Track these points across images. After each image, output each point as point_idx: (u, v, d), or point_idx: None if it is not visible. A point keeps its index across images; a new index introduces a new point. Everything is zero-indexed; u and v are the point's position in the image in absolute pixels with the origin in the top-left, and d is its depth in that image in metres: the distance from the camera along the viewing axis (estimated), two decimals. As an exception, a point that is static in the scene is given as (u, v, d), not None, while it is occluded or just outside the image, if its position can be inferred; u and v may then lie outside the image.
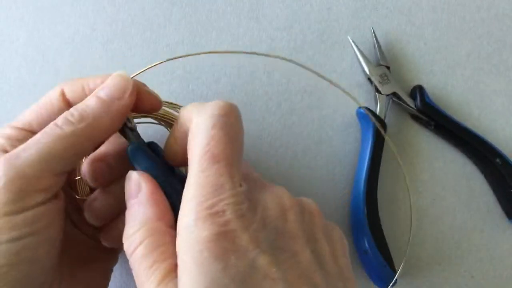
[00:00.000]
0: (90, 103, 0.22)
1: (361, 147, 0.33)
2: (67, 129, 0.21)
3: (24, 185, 0.20)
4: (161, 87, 0.34)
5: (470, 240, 0.33)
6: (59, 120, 0.21)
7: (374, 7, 0.36)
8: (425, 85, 0.34)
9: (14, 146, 0.21)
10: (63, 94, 0.23)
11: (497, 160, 0.32)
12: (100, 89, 0.22)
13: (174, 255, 0.19)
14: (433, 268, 0.32)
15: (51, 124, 0.21)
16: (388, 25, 0.36)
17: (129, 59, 0.34)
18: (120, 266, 0.31)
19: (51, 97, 0.23)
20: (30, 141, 0.21)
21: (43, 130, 0.21)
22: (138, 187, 0.21)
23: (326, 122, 0.34)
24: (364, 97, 0.34)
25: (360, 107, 0.33)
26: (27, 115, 0.23)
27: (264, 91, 0.34)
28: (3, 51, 0.34)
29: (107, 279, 0.27)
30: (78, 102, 0.23)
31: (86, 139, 0.21)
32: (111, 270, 0.28)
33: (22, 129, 0.23)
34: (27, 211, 0.20)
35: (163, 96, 0.34)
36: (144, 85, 0.25)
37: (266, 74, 0.34)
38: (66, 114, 0.21)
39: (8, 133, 0.22)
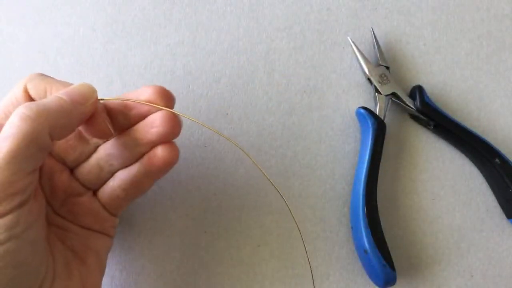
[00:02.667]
0: (49, 101, 0.22)
1: (360, 147, 0.33)
2: (24, 126, 0.20)
3: None
4: (161, 87, 0.34)
5: (469, 239, 0.33)
6: (15, 117, 0.20)
7: (373, 8, 0.36)
8: (424, 85, 0.34)
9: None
10: (26, 91, 0.24)
11: (496, 160, 0.32)
12: (64, 92, 0.23)
13: None
14: (433, 268, 0.32)
15: (7, 124, 0.20)
16: (388, 25, 0.36)
17: (129, 59, 0.34)
18: (120, 266, 0.31)
19: (16, 94, 0.24)
20: None
21: (2, 131, 0.20)
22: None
23: (326, 122, 0.34)
24: (364, 97, 0.34)
25: (359, 107, 0.33)
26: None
27: (264, 91, 0.34)
28: (3, 51, 0.34)
29: (101, 272, 0.27)
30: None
31: (46, 135, 0.21)
32: (105, 264, 0.28)
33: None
34: (4, 217, 0.20)
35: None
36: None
37: (266, 74, 0.34)
38: (23, 106, 0.21)
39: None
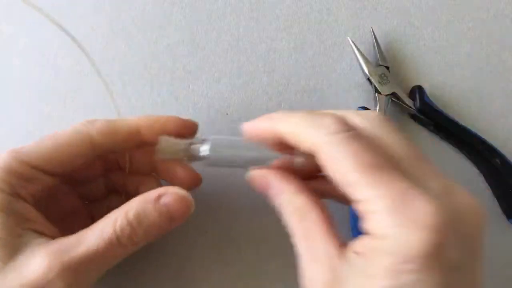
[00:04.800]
0: (151, 216, 0.23)
1: (360, 147, 0.33)
2: (129, 249, 0.23)
3: None
4: (162, 88, 0.34)
5: (469, 240, 0.33)
6: (123, 238, 0.22)
7: (373, 8, 0.36)
8: (424, 85, 0.34)
9: (22, 188, 0.23)
10: (90, 136, 0.24)
11: (496, 160, 0.32)
12: (167, 206, 0.23)
13: None
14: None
15: (112, 236, 0.22)
16: (388, 25, 0.36)
17: (129, 59, 0.34)
18: (119, 267, 0.31)
19: (76, 138, 0.24)
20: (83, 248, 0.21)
21: (98, 237, 0.22)
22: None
23: (326, 122, 0.34)
24: (364, 97, 0.34)
25: (359, 107, 0.33)
26: (46, 152, 0.24)
27: (264, 92, 0.34)
28: (3, 51, 0.34)
29: None
30: (106, 145, 0.25)
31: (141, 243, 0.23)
32: None
33: (33, 167, 0.23)
34: None
35: (163, 96, 0.34)
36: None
37: (266, 74, 0.34)
38: (131, 231, 0.22)
39: (16, 171, 0.23)
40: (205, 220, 0.32)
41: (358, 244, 0.20)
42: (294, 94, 0.34)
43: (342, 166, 0.20)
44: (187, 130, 0.27)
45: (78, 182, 0.28)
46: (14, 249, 0.21)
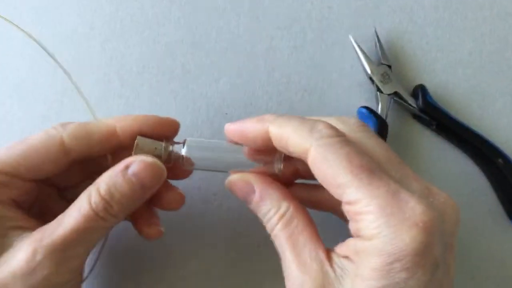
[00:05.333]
0: (121, 188, 0.23)
1: (362, 147, 0.33)
2: (108, 222, 0.23)
3: None
4: (161, 87, 0.34)
5: (471, 240, 0.33)
6: (99, 212, 0.22)
7: (375, 6, 0.36)
8: (427, 84, 0.34)
9: None
10: (62, 142, 0.24)
11: (499, 160, 0.32)
12: (135, 172, 0.23)
13: None
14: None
15: (89, 212, 0.22)
16: (390, 23, 0.35)
17: (128, 58, 0.34)
18: (119, 267, 0.31)
19: (47, 143, 0.23)
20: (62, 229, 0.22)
21: (76, 214, 0.22)
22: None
23: (327, 122, 0.34)
24: (365, 97, 0.34)
25: (361, 107, 0.32)
26: (14, 158, 0.23)
27: (264, 91, 0.34)
28: (2, 51, 0.34)
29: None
30: (80, 151, 0.24)
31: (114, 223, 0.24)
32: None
33: (6, 173, 0.23)
34: None
35: (162, 95, 0.34)
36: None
37: (266, 74, 0.34)
38: (105, 205, 0.22)
39: None
40: (205, 220, 0.32)
41: (345, 247, 0.21)
42: (295, 94, 0.34)
43: (334, 168, 0.20)
44: (167, 129, 0.26)
45: (62, 188, 0.27)
46: (1, 248, 0.22)
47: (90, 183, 0.28)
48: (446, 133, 0.33)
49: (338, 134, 0.21)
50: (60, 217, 0.22)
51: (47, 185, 0.26)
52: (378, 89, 0.33)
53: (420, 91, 0.33)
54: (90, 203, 0.22)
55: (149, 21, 0.35)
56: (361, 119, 0.33)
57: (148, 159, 0.23)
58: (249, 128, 0.23)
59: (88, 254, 0.24)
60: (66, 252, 0.22)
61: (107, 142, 0.25)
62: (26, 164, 0.23)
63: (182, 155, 0.25)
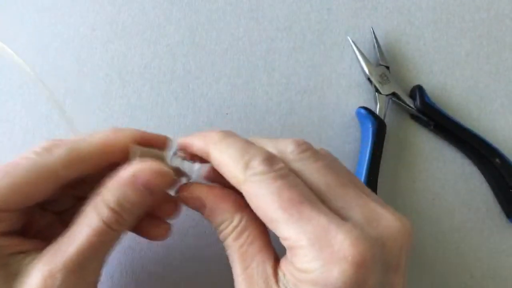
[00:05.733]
0: (131, 198, 0.22)
1: (361, 147, 0.33)
2: (120, 231, 0.22)
3: None
4: (162, 88, 0.34)
5: (469, 240, 0.33)
6: (111, 224, 0.21)
7: (373, 7, 0.36)
8: (425, 85, 0.34)
9: None
10: (53, 173, 0.22)
11: (497, 160, 0.32)
12: (146, 186, 0.22)
13: None
14: (433, 268, 0.32)
15: (100, 225, 0.21)
16: (388, 25, 0.36)
17: (129, 59, 0.34)
18: (119, 267, 0.31)
19: (37, 175, 0.22)
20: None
21: (87, 230, 0.21)
22: None
23: (326, 122, 0.34)
24: (364, 97, 0.34)
25: (360, 107, 0.33)
26: (5, 188, 0.21)
27: (264, 91, 0.34)
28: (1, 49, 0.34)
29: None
30: (72, 177, 0.23)
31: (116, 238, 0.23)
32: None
33: (1, 211, 0.22)
34: None
35: (163, 96, 0.34)
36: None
37: (266, 74, 0.34)
38: (117, 217, 0.22)
39: None
40: (205, 220, 0.32)
41: (288, 269, 0.21)
42: (294, 94, 0.34)
43: (266, 204, 0.20)
44: (159, 143, 0.25)
45: (58, 211, 0.26)
46: (8, 280, 0.21)
47: (72, 193, 0.26)
48: (444, 133, 0.34)
49: (272, 170, 0.21)
50: (67, 235, 0.21)
51: (42, 210, 0.25)
52: (377, 90, 0.33)
53: (418, 91, 0.33)
54: (100, 217, 0.21)
55: (150, 22, 0.35)
56: (360, 119, 0.33)
57: (155, 166, 0.22)
58: (195, 145, 0.23)
59: (102, 267, 0.23)
60: (83, 270, 0.21)
61: (98, 162, 0.23)
62: (15, 199, 0.22)
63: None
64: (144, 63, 0.34)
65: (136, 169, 0.22)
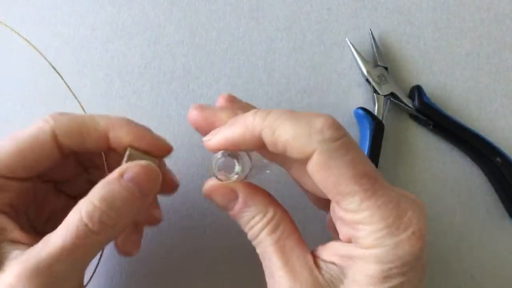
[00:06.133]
0: (120, 196, 0.21)
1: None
2: (103, 235, 0.21)
3: None
4: (162, 88, 0.34)
5: (470, 239, 0.33)
6: (93, 225, 0.20)
7: (373, 8, 0.36)
8: (424, 85, 0.34)
9: None
10: (55, 137, 0.22)
11: (497, 159, 0.32)
12: (131, 176, 0.21)
13: None
14: (433, 267, 0.32)
15: (79, 227, 0.20)
16: (388, 25, 0.36)
17: (129, 59, 0.34)
18: (119, 267, 0.31)
19: (40, 139, 0.22)
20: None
21: (63, 232, 0.20)
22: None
23: (325, 122, 0.34)
24: (364, 98, 0.34)
25: (357, 108, 0.33)
26: (8, 158, 0.22)
27: (264, 91, 0.34)
28: (3, 51, 0.34)
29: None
30: (72, 147, 0.23)
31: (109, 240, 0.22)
32: None
33: (7, 178, 0.22)
34: None
35: (163, 96, 0.34)
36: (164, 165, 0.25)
37: (266, 74, 0.34)
38: (101, 215, 0.20)
39: None
40: (205, 220, 0.32)
41: (330, 252, 0.21)
42: (294, 94, 0.34)
43: (338, 176, 0.19)
44: (159, 152, 0.24)
45: (59, 182, 0.26)
46: None
47: (86, 177, 0.27)
48: (443, 133, 0.33)
49: (341, 135, 0.19)
50: (49, 235, 0.21)
51: (43, 181, 0.25)
52: (375, 91, 0.33)
53: (416, 91, 0.33)
54: (80, 217, 0.20)
55: (150, 22, 0.35)
56: (357, 120, 0.33)
57: (143, 162, 0.22)
58: (237, 139, 0.21)
59: (83, 273, 0.22)
60: (54, 273, 0.20)
61: (99, 142, 0.23)
62: (20, 163, 0.22)
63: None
64: (144, 63, 0.34)
65: (123, 168, 0.22)
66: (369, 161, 0.20)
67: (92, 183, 0.26)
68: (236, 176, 0.22)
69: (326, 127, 0.19)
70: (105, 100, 0.33)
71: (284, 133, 0.19)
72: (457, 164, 0.34)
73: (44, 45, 0.34)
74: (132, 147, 0.23)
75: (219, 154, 0.22)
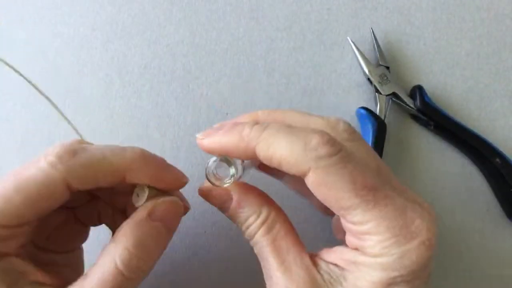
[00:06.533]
0: (151, 237, 0.21)
1: (361, 147, 0.33)
2: (136, 280, 0.20)
3: None
4: (162, 88, 0.34)
5: (469, 239, 0.33)
6: (129, 272, 0.20)
7: (373, 8, 0.36)
8: (424, 85, 0.34)
9: (2, 247, 0.20)
10: (67, 185, 0.20)
11: (497, 159, 0.32)
12: (160, 215, 0.21)
13: None
14: (433, 268, 0.32)
15: (116, 277, 0.19)
16: (388, 25, 0.36)
17: (129, 59, 0.34)
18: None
19: (51, 189, 0.20)
20: None
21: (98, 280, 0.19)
22: None
23: (326, 122, 0.34)
24: (364, 98, 0.34)
25: (360, 108, 0.33)
26: (15, 209, 0.20)
27: (264, 91, 0.34)
28: (3, 51, 0.34)
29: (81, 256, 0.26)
30: (84, 189, 0.21)
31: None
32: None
33: (16, 226, 0.20)
34: None
35: (163, 96, 0.34)
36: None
37: (266, 74, 0.34)
38: (137, 262, 0.20)
39: None
40: (205, 220, 0.32)
41: (335, 255, 0.21)
42: (294, 94, 0.34)
43: (338, 191, 0.19)
44: (176, 188, 0.24)
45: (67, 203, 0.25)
46: None
47: (97, 203, 0.26)
48: (444, 133, 0.34)
49: (337, 150, 0.19)
50: (80, 282, 0.20)
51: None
52: (377, 90, 0.33)
53: (418, 91, 0.33)
54: (115, 265, 0.19)
55: (150, 22, 0.35)
56: (360, 119, 0.33)
57: (168, 198, 0.22)
58: (230, 147, 0.21)
59: None
60: None
61: (114, 182, 0.22)
62: (31, 211, 0.20)
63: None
64: (144, 63, 0.34)
65: (150, 207, 0.21)
66: (371, 170, 0.20)
67: (91, 195, 0.26)
68: (230, 181, 0.22)
69: (322, 144, 0.19)
70: (105, 100, 0.33)
71: (279, 149, 0.19)
72: (457, 164, 0.34)
73: (44, 45, 0.34)
74: (151, 182, 0.22)
75: (212, 160, 0.22)
